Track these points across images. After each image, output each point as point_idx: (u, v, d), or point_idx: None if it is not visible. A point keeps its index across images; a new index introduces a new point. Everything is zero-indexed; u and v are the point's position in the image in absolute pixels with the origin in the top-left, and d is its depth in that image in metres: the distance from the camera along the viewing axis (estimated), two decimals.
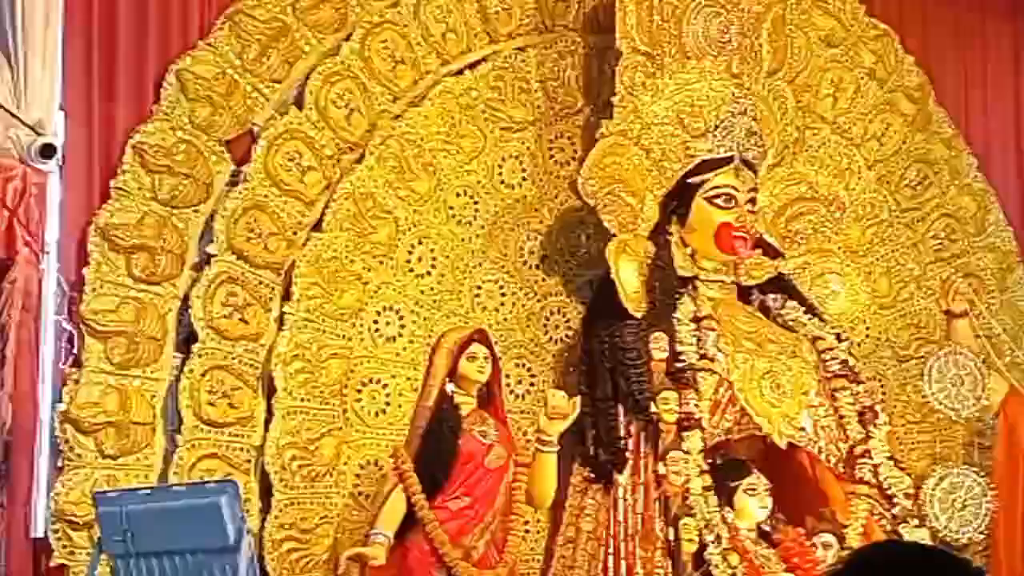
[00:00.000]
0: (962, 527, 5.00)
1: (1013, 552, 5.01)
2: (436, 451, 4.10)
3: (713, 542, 4.43)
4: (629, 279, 4.83)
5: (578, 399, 4.35)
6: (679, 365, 4.68)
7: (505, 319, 5.15)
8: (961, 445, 5.68)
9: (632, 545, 4.48)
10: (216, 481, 3.12)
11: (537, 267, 5.24)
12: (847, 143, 5.87)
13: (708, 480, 4.57)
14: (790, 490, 5.07)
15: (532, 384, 5.16)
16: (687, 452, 4.54)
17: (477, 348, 4.26)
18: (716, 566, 4.37)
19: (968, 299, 5.21)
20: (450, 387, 4.22)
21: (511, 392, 5.04)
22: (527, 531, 4.96)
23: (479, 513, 4.13)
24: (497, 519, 4.18)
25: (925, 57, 6.19)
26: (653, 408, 4.61)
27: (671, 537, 4.44)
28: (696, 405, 4.62)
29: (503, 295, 5.16)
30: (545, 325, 5.23)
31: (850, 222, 5.85)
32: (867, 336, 5.82)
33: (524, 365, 5.16)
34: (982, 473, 5.11)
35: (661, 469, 4.53)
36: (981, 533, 5.03)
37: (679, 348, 4.72)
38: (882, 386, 5.76)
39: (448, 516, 4.10)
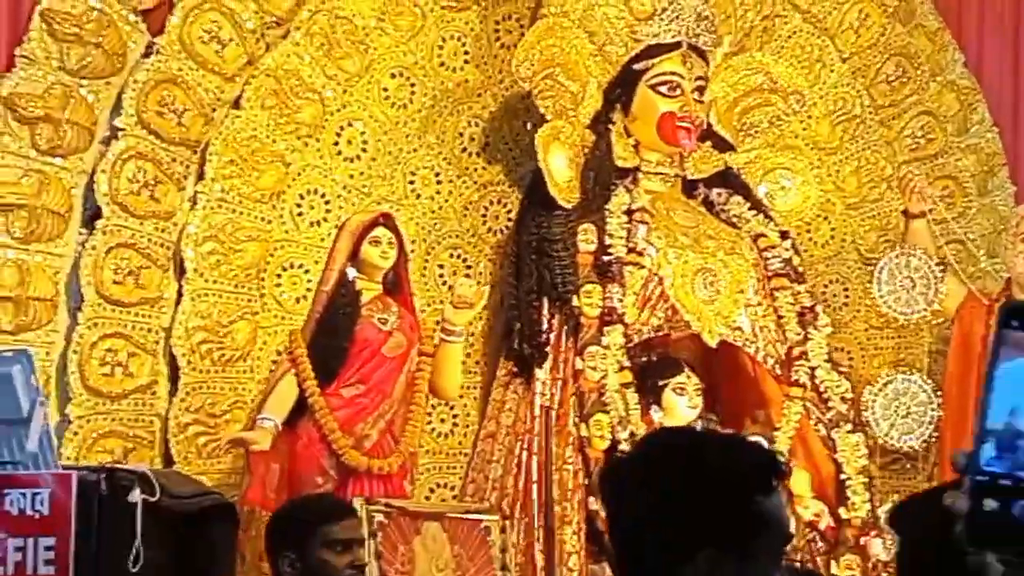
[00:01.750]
0: (904, 435, 4.84)
1: None
2: (331, 337, 3.98)
3: (626, 440, 4.29)
4: (560, 168, 4.64)
5: (486, 288, 4.22)
6: (606, 258, 4.51)
7: (440, 207, 4.98)
8: (926, 352, 5.48)
9: (545, 440, 4.35)
10: (10, 351, 2.99)
11: (478, 155, 5.06)
12: (820, 33, 5.59)
13: (628, 377, 4.42)
14: (731, 391, 4.93)
15: (467, 275, 5.00)
16: (606, 347, 4.38)
17: (381, 232, 4.11)
18: None
19: (928, 199, 4.97)
20: (351, 272, 4.08)
21: (443, 282, 4.89)
22: (451, 422, 4.88)
23: (374, 401, 4.02)
24: (395, 408, 4.06)
25: None
26: (575, 301, 4.45)
27: (584, 433, 4.31)
28: (620, 300, 4.46)
29: (439, 182, 4.99)
30: (484, 215, 5.06)
31: (819, 117, 5.60)
32: (832, 237, 5.60)
33: (459, 255, 5.00)
34: (928, 380, 4.93)
35: (579, 364, 4.38)
36: (924, 441, 4.86)
37: (608, 241, 4.54)
38: (845, 289, 5.56)
39: (340, 403, 4.00)
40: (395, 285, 4.21)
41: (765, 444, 2.04)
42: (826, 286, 5.59)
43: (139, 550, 2.85)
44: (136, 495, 2.89)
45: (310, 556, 2.86)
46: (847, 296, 5.54)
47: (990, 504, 1.14)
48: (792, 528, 2.28)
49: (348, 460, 3.94)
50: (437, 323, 4.32)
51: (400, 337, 4.09)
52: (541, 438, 4.38)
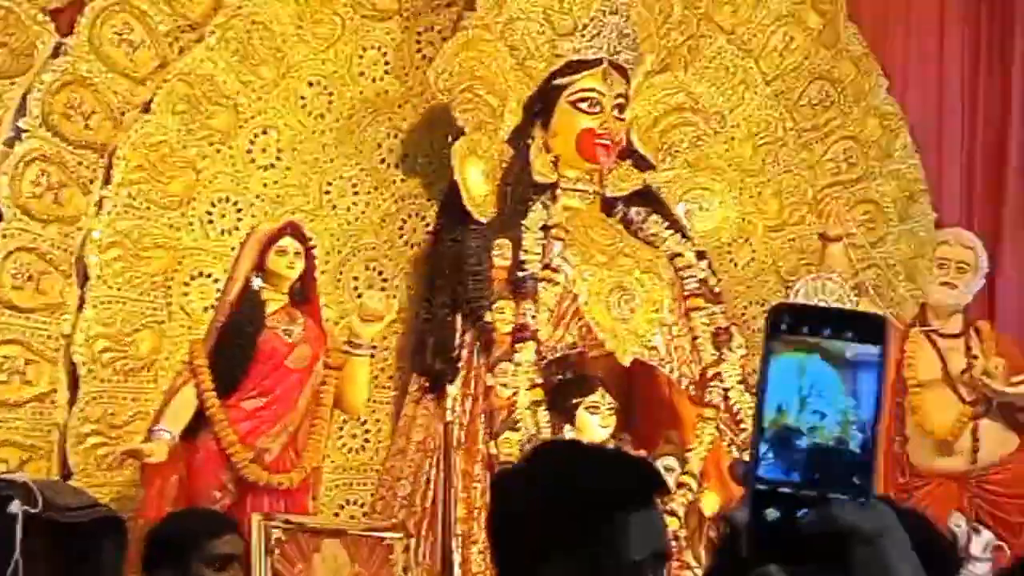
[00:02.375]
0: None
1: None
2: (233, 347, 3.89)
3: None
4: (477, 182, 4.59)
5: (395, 301, 4.16)
6: (520, 274, 4.46)
7: (357, 219, 4.90)
8: None
9: (455, 458, 4.29)
10: None
11: (396, 166, 4.99)
12: (744, 55, 5.59)
13: (540, 394, 4.37)
14: (646, 411, 4.89)
15: (383, 289, 4.92)
16: (518, 364, 4.33)
17: (288, 242, 4.04)
18: None
19: (845, 223, 4.99)
20: (256, 281, 4.00)
21: (358, 294, 4.81)
22: (363, 438, 4.81)
23: (276, 414, 3.94)
24: (298, 422, 3.98)
25: None
26: (488, 317, 4.40)
27: (493, 451, 4.25)
28: (533, 317, 4.40)
29: (356, 193, 4.91)
30: (401, 228, 4.99)
31: (742, 139, 5.60)
32: (752, 259, 5.60)
33: (375, 268, 4.93)
34: None
35: (490, 380, 4.32)
36: None
37: (523, 257, 4.49)
38: (765, 311, 5.54)
39: (241, 416, 3.91)
40: (302, 296, 4.12)
41: (650, 461, 2.07)
42: (745, 307, 5.58)
43: (18, 563, 2.74)
44: (16, 506, 2.78)
45: (188, 573, 2.77)
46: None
47: (771, 514, 1.08)
48: (670, 543, 2.29)
49: (247, 474, 3.85)
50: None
51: (305, 349, 4.01)
52: (451, 455, 4.31)
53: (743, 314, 5.58)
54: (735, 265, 5.58)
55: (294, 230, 4.07)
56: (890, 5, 6.14)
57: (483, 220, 4.56)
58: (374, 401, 4.84)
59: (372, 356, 4.74)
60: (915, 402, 4.78)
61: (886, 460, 4.81)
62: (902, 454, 4.78)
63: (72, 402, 4.29)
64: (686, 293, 4.75)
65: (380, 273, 4.93)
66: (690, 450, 4.59)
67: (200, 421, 3.92)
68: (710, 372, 4.69)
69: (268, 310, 4.03)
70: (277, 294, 4.07)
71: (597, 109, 4.76)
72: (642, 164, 5.02)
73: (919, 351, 4.85)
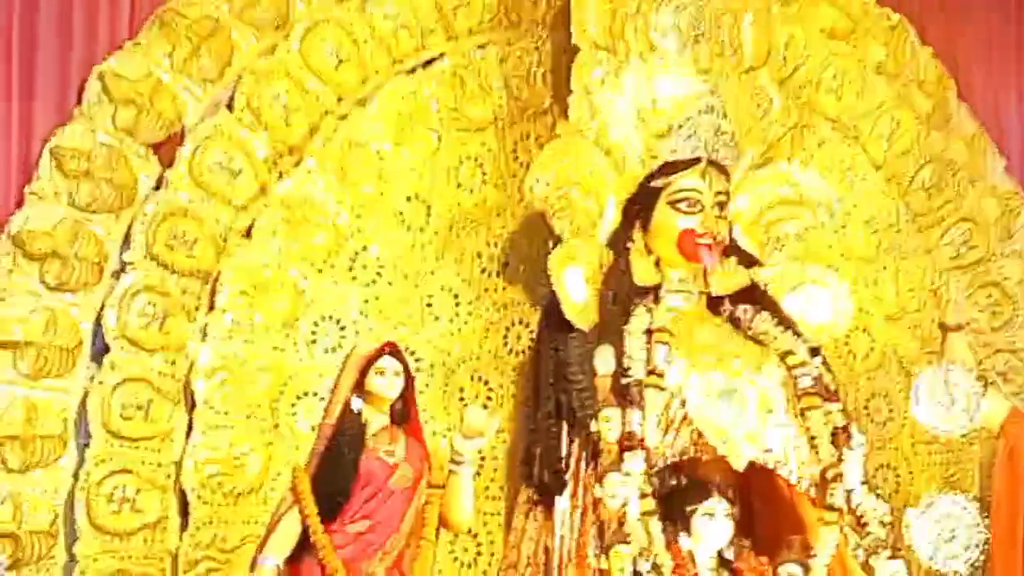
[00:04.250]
0: (948, 559, 4.58)
1: None
2: (335, 471, 3.87)
3: (649, 572, 4.09)
4: (576, 289, 4.53)
5: (497, 417, 4.08)
6: (625, 381, 4.36)
7: (460, 329, 4.89)
8: (977, 468, 5.24)
9: (566, 572, 4.18)
10: None
11: (498, 275, 4.97)
12: (851, 141, 5.48)
13: (651, 504, 4.24)
14: (767, 515, 4.72)
15: (490, 399, 4.89)
16: (627, 474, 4.21)
17: (386, 362, 4.02)
18: None
19: (963, 310, 4.79)
20: (356, 404, 3.98)
21: (464, 406, 4.76)
22: (475, 551, 4.73)
23: (380, 537, 3.89)
24: (403, 544, 3.92)
25: (950, 52, 5.76)
26: (594, 427, 4.30)
27: (603, 565, 4.12)
28: (640, 424, 4.29)
29: (458, 304, 4.90)
30: (505, 337, 4.95)
31: (854, 227, 5.47)
32: (872, 349, 5.43)
33: (481, 379, 4.89)
34: (976, 499, 4.68)
35: (598, 492, 4.21)
36: (972, 566, 4.60)
37: (626, 363, 4.40)
38: (889, 403, 5.36)
39: (345, 540, 3.86)
40: (403, 415, 4.09)
41: None
42: (868, 400, 5.40)
43: None
44: None
45: None
46: (891, 410, 5.35)
47: None
48: None
49: None
50: None
51: (407, 469, 3.97)
52: (561, 570, 4.20)
53: (866, 407, 5.39)
54: (854, 357, 5.40)
55: (392, 349, 4.06)
56: (999, 77, 5.96)
57: (584, 328, 4.48)
58: (485, 513, 4.78)
59: (478, 473, 4.70)
60: None
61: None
62: None
63: (183, 528, 4.31)
64: (800, 392, 4.58)
65: (486, 383, 4.89)
66: (814, 556, 4.39)
67: (305, 546, 3.88)
68: (830, 473, 4.50)
69: (369, 431, 4.00)
70: (378, 414, 4.05)
71: (697, 208, 4.67)
72: (748, 260, 4.90)
73: None
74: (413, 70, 4.90)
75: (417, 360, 4.77)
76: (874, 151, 5.49)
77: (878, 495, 4.56)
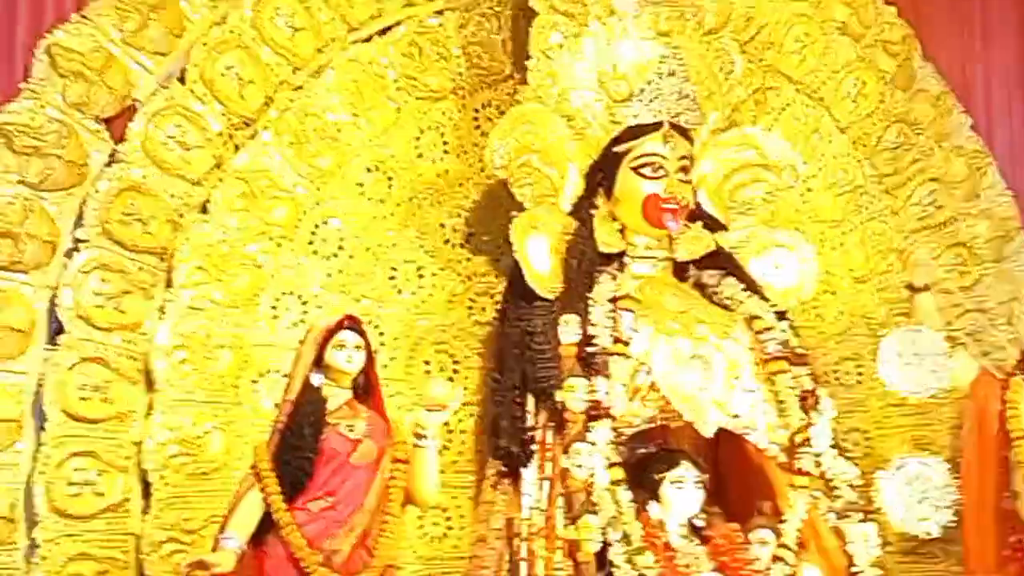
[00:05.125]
0: (920, 521, 4.56)
1: (984, 545, 4.55)
2: (296, 448, 3.80)
3: (619, 541, 4.06)
4: (540, 257, 4.47)
5: (460, 389, 4.02)
6: (590, 350, 4.31)
7: (424, 302, 4.82)
8: (947, 429, 5.22)
9: (534, 544, 4.13)
10: None
11: (462, 246, 4.91)
12: (815, 104, 5.43)
13: (619, 473, 4.19)
14: (737, 481, 4.68)
15: (456, 371, 4.84)
16: (593, 443, 4.17)
17: (346, 335, 3.95)
18: (618, 567, 4.01)
19: (930, 271, 4.75)
20: (317, 378, 3.92)
21: (430, 379, 4.70)
22: (446, 526, 4.68)
23: (343, 514, 3.82)
24: (367, 520, 3.86)
25: (914, 10, 5.70)
26: (559, 397, 4.25)
27: (573, 536, 4.08)
28: (606, 393, 4.24)
29: (422, 276, 4.84)
30: (471, 308, 4.89)
31: (820, 189, 5.42)
32: (841, 312, 5.39)
33: (447, 351, 4.83)
34: (946, 461, 4.66)
35: (564, 462, 4.17)
36: (943, 527, 4.58)
37: (591, 331, 4.35)
38: (858, 366, 5.33)
39: (308, 518, 3.80)
40: (365, 389, 4.03)
41: None
42: (837, 364, 5.36)
43: None
44: None
45: None
46: (860, 374, 5.31)
47: None
48: None
49: None
50: None
51: (370, 444, 3.91)
52: (530, 542, 4.16)
53: (835, 371, 5.36)
54: (823, 320, 5.37)
55: (352, 322, 3.99)
56: (966, 39, 5.90)
57: (549, 296, 4.43)
58: (455, 487, 4.73)
59: (446, 447, 4.65)
60: (1022, 455, 4.49)
61: (996, 517, 4.53)
62: (1013, 510, 4.49)
63: (146, 510, 4.24)
64: (767, 356, 4.54)
65: (452, 356, 4.84)
66: (784, 521, 4.36)
67: (268, 525, 3.82)
68: (799, 438, 4.47)
69: (330, 407, 3.94)
70: (338, 388, 3.98)
71: (660, 173, 4.62)
72: (713, 225, 4.85)
73: (1022, 400, 4.56)
74: (369, 38, 4.82)
75: (381, 333, 4.71)
76: (839, 113, 5.44)
77: (847, 458, 4.53)
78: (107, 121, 4.43)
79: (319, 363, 3.95)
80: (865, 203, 5.43)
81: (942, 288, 5.05)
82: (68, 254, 4.31)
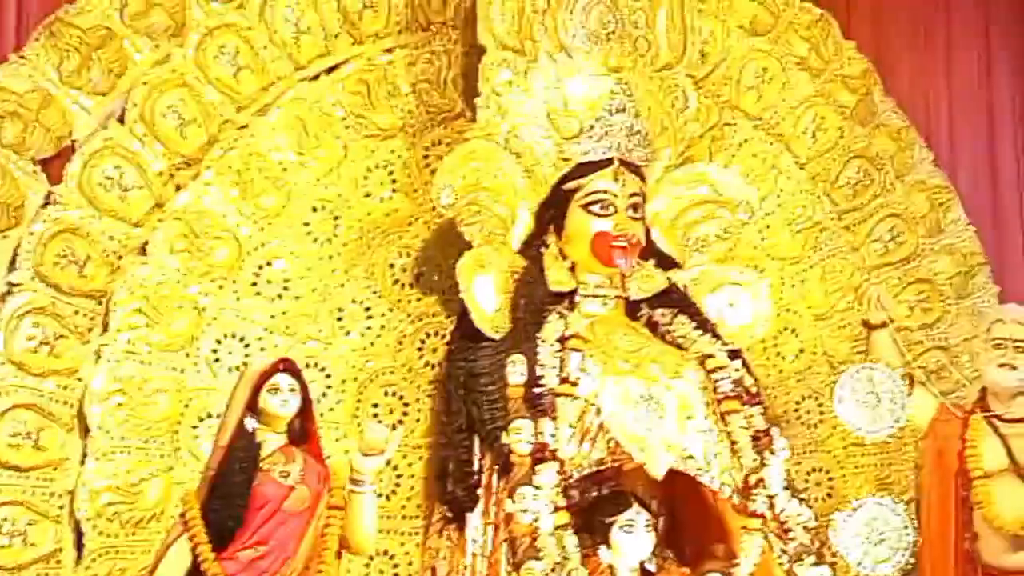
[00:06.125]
0: (877, 563, 4.46)
1: None
2: (227, 495, 3.70)
3: None
4: (486, 297, 4.39)
5: (398, 432, 3.94)
6: (536, 390, 4.22)
7: (372, 344, 4.74)
8: (910, 469, 5.13)
9: None
10: None
11: (411, 286, 4.83)
12: (774, 139, 5.37)
13: (565, 518, 4.09)
14: (691, 524, 4.59)
15: (405, 413, 4.75)
16: (538, 487, 4.07)
17: (280, 379, 3.86)
18: None
19: (886, 308, 4.67)
20: (250, 423, 3.82)
21: (379, 422, 4.60)
22: (392, 573, 4.58)
23: (275, 564, 3.72)
24: (300, 569, 3.76)
25: (875, 45, 5.66)
26: (505, 439, 4.16)
27: None
28: (552, 435, 4.15)
29: (370, 317, 4.75)
30: (421, 349, 4.81)
31: (779, 226, 5.36)
32: (801, 350, 5.31)
33: (396, 393, 4.74)
34: (904, 502, 4.57)
35: (510, 507, 4.07)
36: (901, 569, 4.48)
37: (538, 371, 4.26)
38: (820, 404, 5.25)
39: (238, 568, 3.70)
40: (301, 434, 3.93)
41: None
42: (799, 403, 5.28)
43: None
44: None
45: None
46: (822, 412, 5.23)
47: None
48: None
49: None
50: None
51: (304, 491, 3.81)
52: None
53: (796, 409, 5.27)
54: (783, 359, 5.29)
55: (287, 366, 3.89)
56: (928, 73, 5.85)
57: (495, 336, 4.34)
58: (402, 532, 4.64)
59: (394, 492, 4.55)
60: (981, 495, 4.40)
61: (956, 559, 4.43)
62: (973, 552, 4.40)
63: (78, 561, 4.14)
64: (720, 396, 4.45)
65: (401, 398, 4.74)
66: (737, 564, 4.26)
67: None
68: (752, 479, 4.37)
69: (264, 452, 3.84)
70: (273, 433, 3.89)
71: (610, 211, 4.55)
72: (667, 263, 4.78)
73: (981, 439, 4.48)
74: (317, 76, 4.75)
75: (328, 376, 4.63)
76: (798, 148, 5.39)
77: (801, 500, 4.43)
78: (44, 162, 4.35)
79: (253, 408, 3.85)
80: (825, 239, 5.36)
81: (903, 325, 4.97)
82: (2, 298, 4.22)
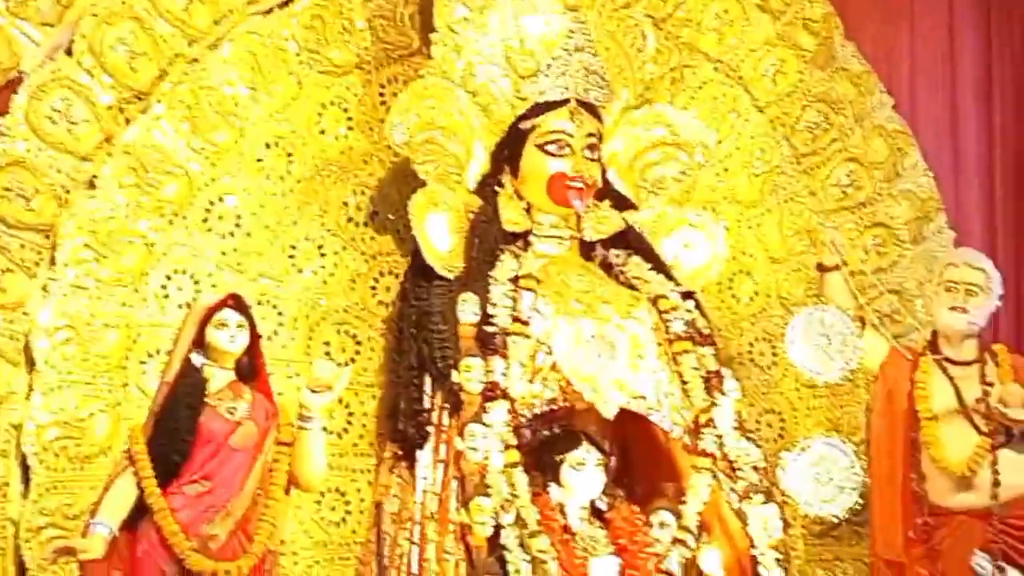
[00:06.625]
0: (824, 503, 4.50)
1: (892, 527, 4.49)
2: (172, 430, 3.68)
3: (512, 524, 3.96)
4: (439, 236, 4.37)
5: (347, 369, 3.92)
6: (488, 329, 4.21)
7: (325, 281, 4.70)
8: (862, 411, 5.16)
9: (427, 528, 4.04)
10: None
11: (365, 224, 4.79)
12: (734, 82, 5.34)
13: (515, 456, 4.10)
14: (641, 464, 4.61)
15: (358, 352, 4.72)
16: (488, 425, 4.07)
17: (227, 315, 3.83)
18: (510, 551, 3.92)
19: (839, 250, 4.68)
20: (197, 359, 3.80)
21: (331, 360, 4.59)
22: (344, 511, 4.58)
23: (221, 499, 3.71)
24: (246, 505, 3.75)
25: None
26: (455, 377, 4.15)
27: (465, 519, 3.98)
28: (503, 374, 4.15)
29: (323, 255, 4.72)
30: (374, 288, 4.78)
31: (737, 169, 5.35)
32: (756, 293, 5.32)
33: (348, 332, 4.72)
34: (852, 443, 4.60)
35: (459, 444, 4.07)
36: (849, 509, 4.52)
37: (490, 310, 4.25)
38: (773, 347, 5.26)
39: (183, 503, 3.69)
40: (250, 370, 3.91)
41: None
42: (752, 345, 5.30)
43: None
44: None
45: None
46: (775, 355, 5.24)
47: None
48: None
49: (191, 565, 3.63)
50: None
51: (250, 427, 3.79)
52: (423, 526, 4.06)
53: (749, 351, 5.29)
54: (737, 300, 5.30)
55: (235, 302, 3.86)
56: (892, 19, 5.83)
57: (448, 275, 4.32)
58: (354, 470, 4.63)
59: (345, 430, 4.55)
60: (929, 436, 4.44)
61: (903, 499, 4.47)
62: (920, 492, 4.44)
63: (25, 495, 4.11)
64: (671, 336, 4.46)
65: (354, 336, 4.72)
66: (685, 503, 4.29)
67: (142, 510, 3.70)
68: (703, 418, 4.39)
69: (211, 388, 3.81)
70: (221, 369, 3.86)
71: (566, 151, 4.53)
72: (623, 204, 4.76)
73: (931, 381, 4.51)
74: (270, 10, 4.68)
75: (280, 314, 4.60)
76: (757, 91, 5.35)
77: (750, 439, 4.46)
78: None
79: (200, 343, 3.82)
80: (783, 183, 5.35)
81: (857, 270, 4.97)
82: None
